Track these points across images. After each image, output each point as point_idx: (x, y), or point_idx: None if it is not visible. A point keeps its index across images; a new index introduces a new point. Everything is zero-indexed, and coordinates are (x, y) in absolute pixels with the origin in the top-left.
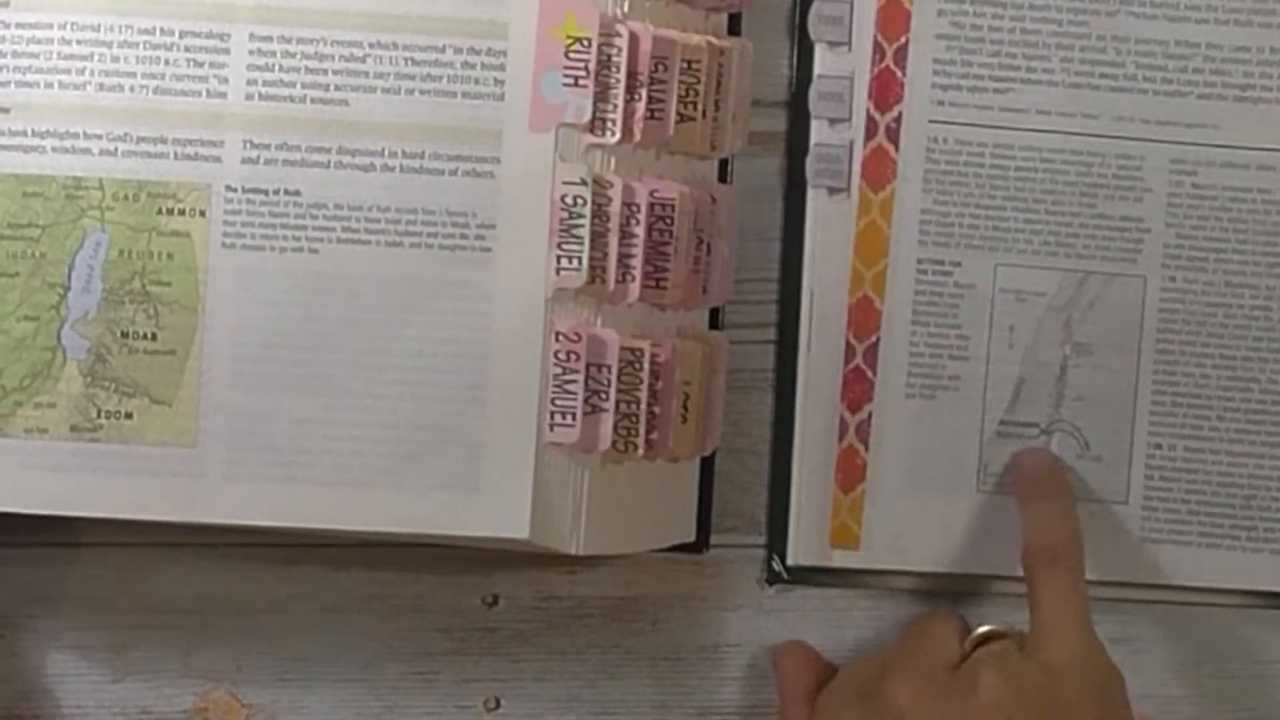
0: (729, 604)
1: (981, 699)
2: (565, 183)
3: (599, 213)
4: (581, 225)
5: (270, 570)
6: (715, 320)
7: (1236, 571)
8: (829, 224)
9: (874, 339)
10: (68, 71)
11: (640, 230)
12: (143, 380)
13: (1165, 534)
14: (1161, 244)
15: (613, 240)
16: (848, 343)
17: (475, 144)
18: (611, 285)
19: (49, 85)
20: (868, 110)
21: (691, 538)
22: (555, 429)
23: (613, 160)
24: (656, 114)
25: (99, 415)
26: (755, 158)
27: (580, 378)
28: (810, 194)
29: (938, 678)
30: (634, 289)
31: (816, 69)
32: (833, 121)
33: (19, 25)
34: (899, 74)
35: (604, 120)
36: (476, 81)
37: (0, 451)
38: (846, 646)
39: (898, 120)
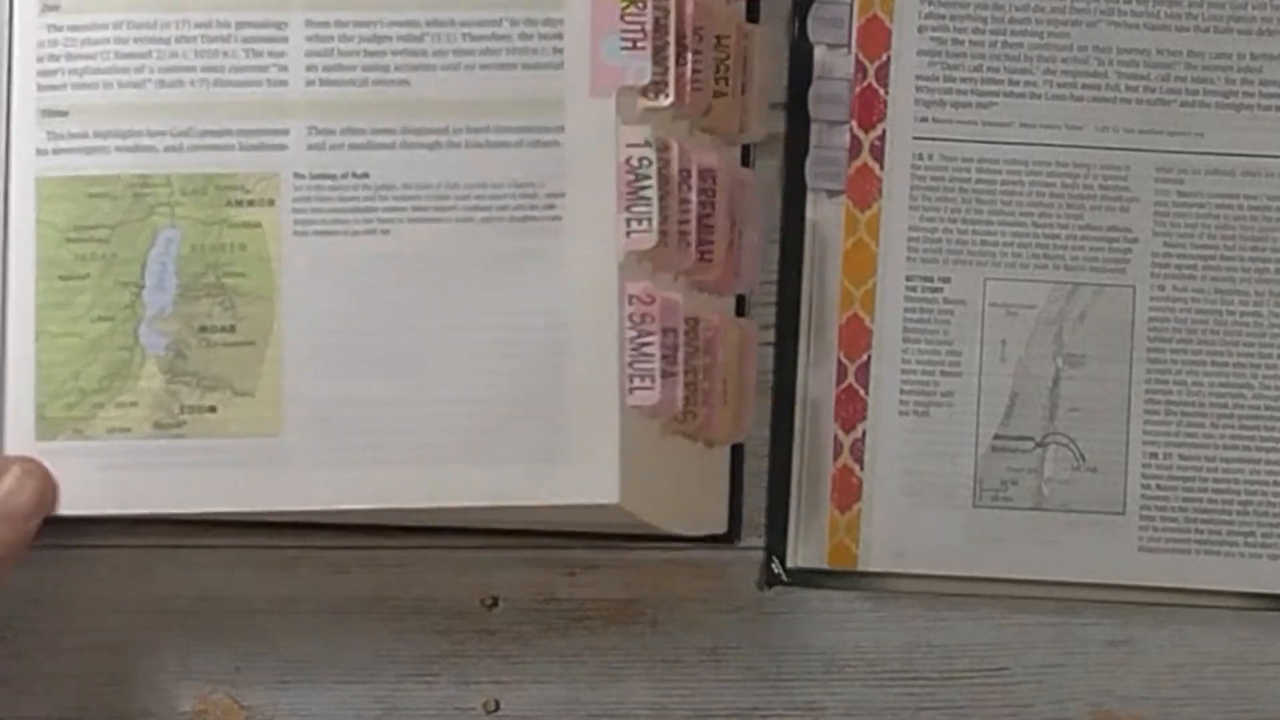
0: (728, 606)
1: None
2: (630, 145)
3: (659, 176)
4: (649, 186)
5: (270, 572)
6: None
7: (1235, 577)
8: (829, 226)
9: (865, 357)
10: (125, 70)
11: (692, 196)
12: (224, 373)
13: (1164, 543)
14: (1150, 253)
15: (672, 203)
16: (839, 362)
17: (538, 114)
18: (677, 247)
19: (107, 85)
20: (851, 129)
21: (724, 529)
22: (635, 392)
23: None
24: (697, 83)
25: (182, 410)
26: (755, 159)
27: (656, 340)
28: (810, 196)
29: None
30: (691, 254)
31: (816, 71)
32: (832, 124)
33: (71, 28)
34: (882, 92)
35: (660, 83)
36: (535, 51)
37: (82, 454)
38: (846, 649)
39: (882, 138)
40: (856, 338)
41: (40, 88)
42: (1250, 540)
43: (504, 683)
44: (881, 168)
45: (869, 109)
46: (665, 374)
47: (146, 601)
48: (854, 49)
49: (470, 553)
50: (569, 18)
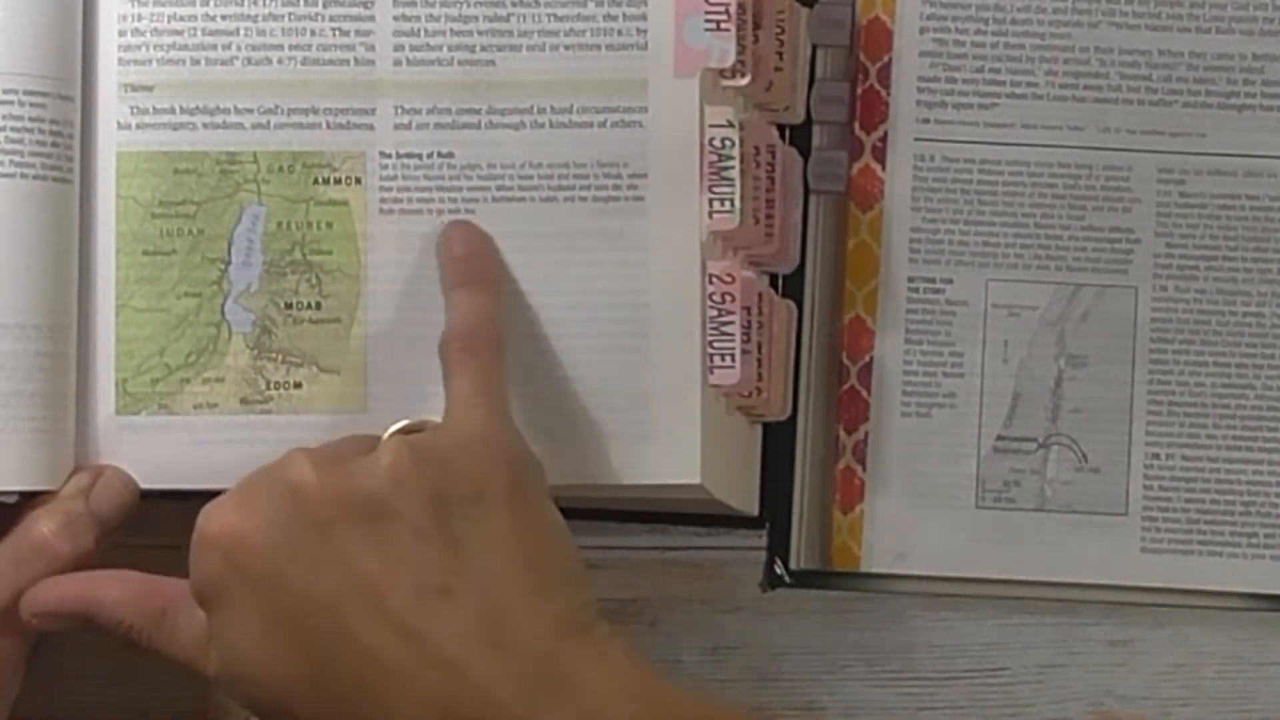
0: (728, 606)
1: (380, 460)
2: (713, 125)
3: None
4: (731, 167)
5: None
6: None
7: (1238, 578)
8: (831, 228)
9: (867, 359)
10: (214, 47)
11: (762, 175)
12: (309, 349)
13: (1166, 544)
14: (1152, 254)
15: (749, 183)
16: (842, 363)
17: (622, 94)
18: (751, 226)
19: (195, 62)
20: (853, 130)
21: (755, 511)
22: (715, 371)
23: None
24: (761, 60)
25: (268, 387)
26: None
27: (736, 319)
28: (812, 198)
29: (343, 454)
30: (761, 232)
31: (818, 73)
32: (834, 125)
33: (157, 3)
34: (883, 93)
35: (739, 63)
36: (619, 33)
37: (170, 429)
38: (846, 649)
39: (883, 139)
40: (859, 339)
41: (122, 62)
42: (1253, 541)
43: None
44: (883, 169)
45: (871, 110)
46: (743, 352)
47: None
48: (856, 50)
49: None
50: None
